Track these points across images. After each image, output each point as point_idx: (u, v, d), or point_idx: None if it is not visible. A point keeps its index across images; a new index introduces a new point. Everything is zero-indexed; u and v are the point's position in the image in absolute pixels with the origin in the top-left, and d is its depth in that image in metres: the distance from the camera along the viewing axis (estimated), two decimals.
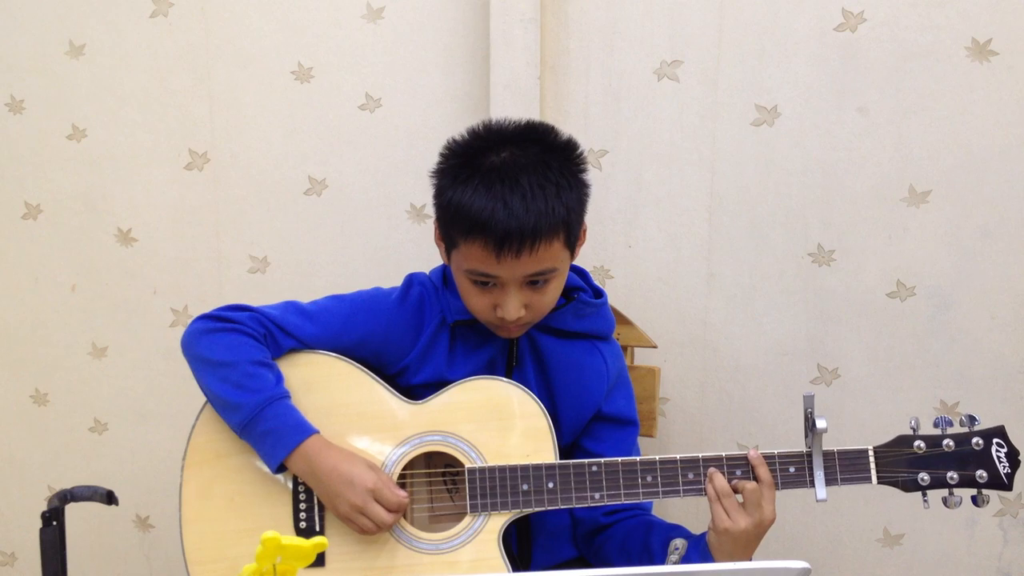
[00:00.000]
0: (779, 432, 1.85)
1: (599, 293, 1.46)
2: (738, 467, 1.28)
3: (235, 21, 1.92)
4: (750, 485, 1.25)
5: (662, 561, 1.35)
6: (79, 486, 1.37)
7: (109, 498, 1.39)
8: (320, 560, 1.32)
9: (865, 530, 1.85)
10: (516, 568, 1.35)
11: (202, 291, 2.02)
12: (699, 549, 1.29)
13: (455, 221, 1.28)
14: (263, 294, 1.98)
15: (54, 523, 1.32)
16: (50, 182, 2.03)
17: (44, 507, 1.33)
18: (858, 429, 1.82)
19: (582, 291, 1.43)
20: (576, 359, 1.43)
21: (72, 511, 1.37)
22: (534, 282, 1.30)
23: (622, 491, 1.29)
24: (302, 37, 1.90)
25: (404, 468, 1.35)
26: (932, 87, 1.70)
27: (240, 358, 1.33)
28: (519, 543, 1.42)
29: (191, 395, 1.40)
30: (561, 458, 1.32)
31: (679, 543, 1.14)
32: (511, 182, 1.25)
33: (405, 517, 1.34)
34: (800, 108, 1.75)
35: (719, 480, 1.26)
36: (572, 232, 1.32)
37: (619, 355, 1.50)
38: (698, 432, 1.89)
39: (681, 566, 0.96)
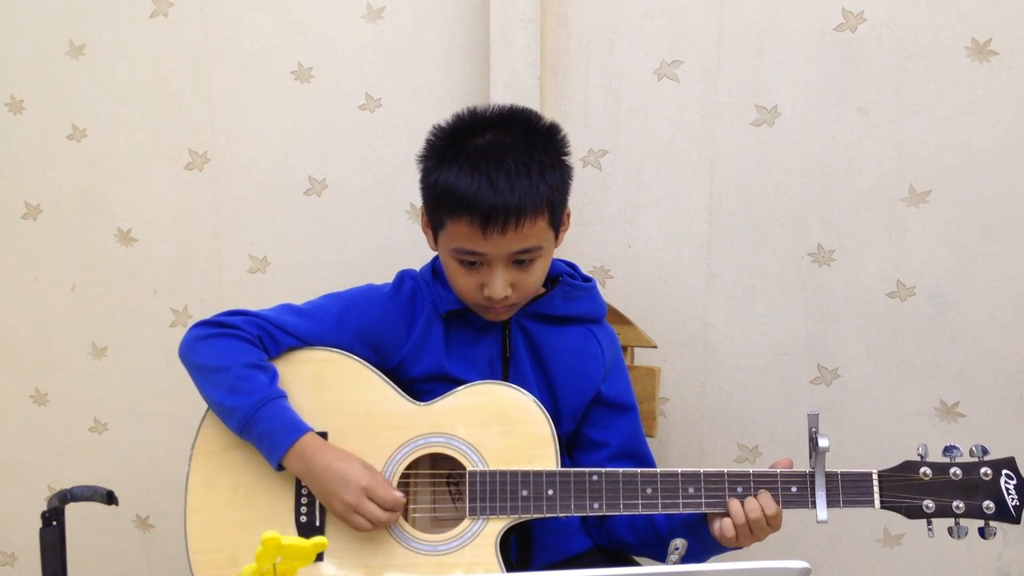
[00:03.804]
0: (779, 432, 1.85)
1: (587, 279, 1.48)
2: (739, 484, 1.27)
3: (235, 21, 1.92)
4: (774, 520, 1.25)
5: (665, 529, 1.37)
6: (79, 486, 1.38)
7: (109, 498, 1.39)
8: (318, 555, 1.32)
9: (865, 530, 1.85)
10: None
11: (202, 291, 2.02)
12: (701, 539, 1.31)
13: (441, 200, 1.31)
14: (263, 294, 1.98)
15: (54, 523, 1.32)
16: (50, 182, 2.03)
17: (44, 507, 1.33)
18: (858, 429, 1.82)
19: (569, 276, 1.45)
20: (571, 344, 1.44)
21: (72, 511, 1.37)
22: (520, 261, 1.32)
23: (621, 501, 1.29)
24: (302, 37, 1.90)
25: (408, 468, 1.35)
26: (932, 87, 1.70)
27: (232, 362, 1.34)
28: (519, 545, 1.42)
29: (191, 395, 1.40)
30: (564, 447, 1.32)
31: (679, 543, 1.14)
32: (496, 161, 1.28)
33: (406, 518, 1.34)
34: (800, 108, 1.75)
35: (766, 506, 1.25)
36: (556, 212, 1.35)
37: (614, 338, 1.51)
38: (698, 432, 1.89)
39: (681, 566, 0.96)
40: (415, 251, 1.91)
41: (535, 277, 1.36)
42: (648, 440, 1.53)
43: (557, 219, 1.36)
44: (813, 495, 1.26)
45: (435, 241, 1.39)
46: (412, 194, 1.90)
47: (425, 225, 1.41)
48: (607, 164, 1.84)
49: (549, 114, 1.81)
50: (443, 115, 1.39)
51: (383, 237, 1.94)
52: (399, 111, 1.89)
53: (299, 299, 1.48)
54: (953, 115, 1.69)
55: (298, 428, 1.32)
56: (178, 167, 1.98)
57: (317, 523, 1.34)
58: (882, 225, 1.75)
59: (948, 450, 1.24)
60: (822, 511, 1.25)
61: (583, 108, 1.83)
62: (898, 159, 1.73)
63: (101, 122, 1.99)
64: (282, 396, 1.34)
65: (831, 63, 1.73)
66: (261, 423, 1.31)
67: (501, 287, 1.31)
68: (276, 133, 1.94)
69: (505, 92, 1.78)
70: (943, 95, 1.69)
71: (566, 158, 1.36)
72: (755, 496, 1.26)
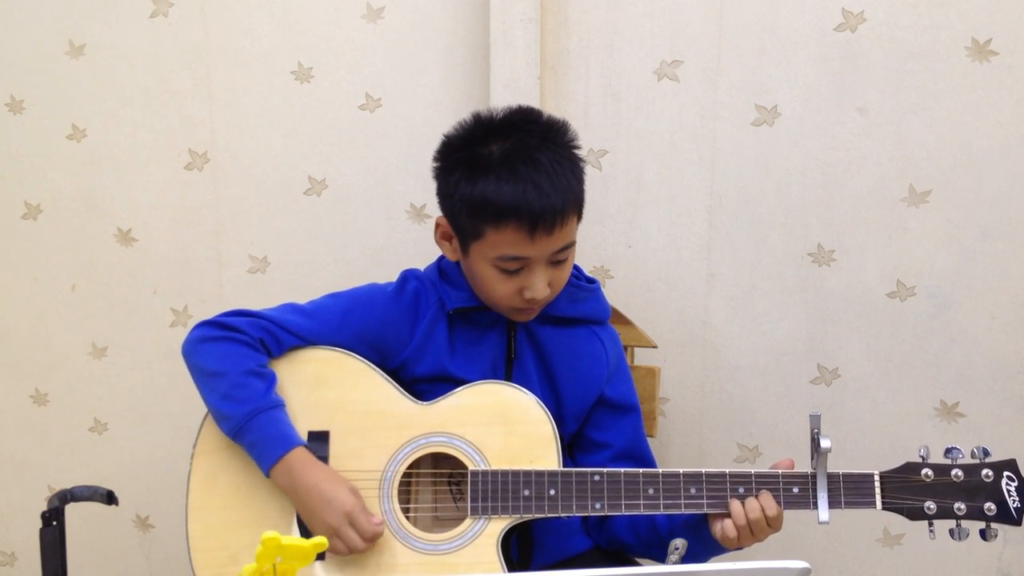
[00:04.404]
0: (779, 432, 1.85)
1: (591, 281, 1.48)
2: (741, 484, 1.27)
3: (235, 21, 1.92)
4: (774, 521, 1.25)
5: (666, 530, 1.37)
6: (79, 486, 1.38)
7: (109, 498, 1.39)
8: (318, 555, 1.32)
9: (865, 530, 1.85)
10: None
11: (202, 291, 2.02)
12: (702, 539, 1.31)
13: (480, 212, 1.29)
14: (263, 294, 1.98)
15: (54, 523, 1.32)
16: (50, 182, 2.03)
17: (44, 507, 1.33)
18: (858, 429, 1.82)
19: (574, 278, 1.45)
20: (575, 345, 1.44)
21: (72, 511, 1.37)
22: (557, 260, 1.33)
23: (623, 501, 1.28)
24: (302, 37, 1.90)
25: (410, 468, 1.35)
26: (932, 87, 1.70)
27: (231, 368, 1.34)
28: (520, 545, 1.42)
29: (191, 395, 1.40)
30: (566, 448, 1.32)
31: (679, 543, 1.14)
32: (532, 163, 1.28)
33: (407, 517, 1.34)
34: (800, 108, 1.75)
35: (766, 507, 1.25)
36: (582, 206, 1.37)
37: (617, 340, 1.51)
38: (698, 432, 1.89)
39: (681, 566, 0.96)
40: (415, 251, 1.91)
41: (565, 273, 1.37)
42: (648, 440, 1.53)
43: (582, 213, 1.37)
44: (815, 496, 1.25)
45: (462, 251, 1.36)
46: (412, 194, 1.91)
47: (447, 237, 1.38)
48: (607, 164, 1.84)
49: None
50: (443, 115, 1.39)
51: (383, 237, 1.94)
52: (399, 111, 1.89)
53: (299, 299, 1.48)
54: (953, 115, 1.69)
55: (288, 442, 1.31)
56: (178, 167, 1.98)
57: None
58: (882, 225, 1.75)
59: (949, 451, 1.25)
60: (824, 512, 1.25)
61: (583, 108, 1.83)
62: (898, 159, 1.73)
63: (101, 122, 1.99)
64: (277, 406, 1.33)
65: (831, 63, 1.73)
66: (252, 433, 1.31)
67: (543, 287, 1.32)
68: (276, 133, 1.94)
69: (505, 92, 1.78)
70: (943, 95, 1.69)
71: (578, 151, 1.37)
72: (756, 496, 1.26)
